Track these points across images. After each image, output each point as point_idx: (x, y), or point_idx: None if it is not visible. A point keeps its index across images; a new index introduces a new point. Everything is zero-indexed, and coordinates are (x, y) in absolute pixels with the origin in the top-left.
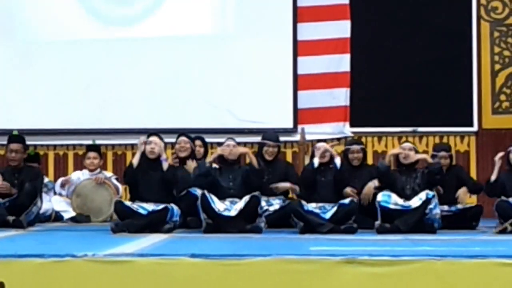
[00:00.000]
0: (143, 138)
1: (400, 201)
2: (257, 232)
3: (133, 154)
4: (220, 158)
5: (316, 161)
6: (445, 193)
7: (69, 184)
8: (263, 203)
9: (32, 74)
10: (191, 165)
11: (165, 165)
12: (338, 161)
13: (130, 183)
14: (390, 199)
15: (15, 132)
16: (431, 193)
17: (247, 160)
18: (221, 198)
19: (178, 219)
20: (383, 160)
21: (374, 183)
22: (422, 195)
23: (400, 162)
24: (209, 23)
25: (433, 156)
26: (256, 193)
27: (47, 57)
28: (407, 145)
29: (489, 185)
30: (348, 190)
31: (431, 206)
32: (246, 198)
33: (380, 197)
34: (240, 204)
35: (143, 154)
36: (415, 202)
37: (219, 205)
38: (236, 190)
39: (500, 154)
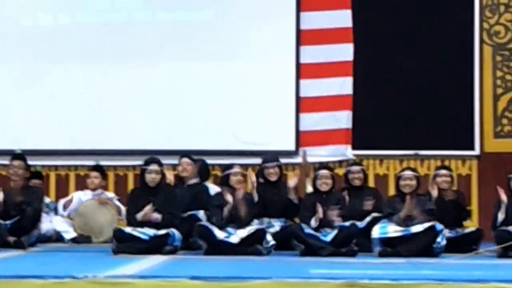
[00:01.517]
0: (151, 208)
1: (399, 228)
2: (257, 254)
3: (135, 175)
4: (224, 183)
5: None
6: (446, 215)
7: (71, 204)
8: (267, 236)
9: (35, 95)
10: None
11: (158, 219)
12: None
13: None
14: (387, 229)
15: (18, 151)
16: (439, 226)
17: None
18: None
19: (179, 244)
20: (399, 218)
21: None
22: (427, 224)
23: (400, 190)
24: (212, 45)
25: (434, 176)
26: (262, 225)
27: (50, 78)
28: (408, 173)
29: (495, 226)
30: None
31: (438, 239)
32: (251, 229)
33: (376, 231)
34: (243, 232)
35: (142, 180)
36: (418, 228)
37: (219, 233)
38: (236, 216)
39: (502, 193)
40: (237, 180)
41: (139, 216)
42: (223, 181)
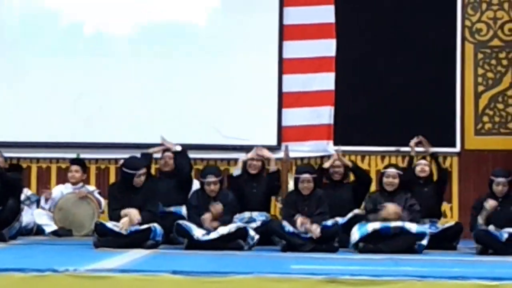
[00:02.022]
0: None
1: (377, 224)
2: (238, 249)
3: (117, 169)
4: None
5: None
6: (426, 206)
7: (51, 198)
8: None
9: (16, 88)
10: None
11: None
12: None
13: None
14: (366, 228)
15: None
16: (422, 230)
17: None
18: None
19: (160, 239)
20: (375, 217)
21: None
22: (409, 226)
23: (383, 188)
24: (195, 40)
25: (412, 164)
26: (244, 226)
27: (32, 71)
28: (391, 171)
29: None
30: (300, 220)
31: (423, 242)
32: (232, 228)
33: (355, 233)
34: (224, 230)
35: (124, 179)
36: (396, 224)
37: (197, 232)
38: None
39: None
40: (210, 190)
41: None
42: (201, 185)
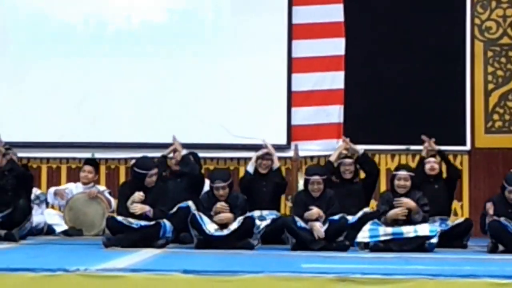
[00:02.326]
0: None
1: (389, 230)
2: (248, 248)
3: (127, 169)
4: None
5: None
6: (436, 204)
7: (64, 196)
8: (256, 221)
9: (26, 87)
10: None
11: (150, 214)
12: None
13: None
14: (378, 232)
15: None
16: (434, 230)
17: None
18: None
19: (170, 235)
20: (385, 219)
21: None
22: (422, 230)
23: (395, 191)
24: (204, 39)
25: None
26: (251, 214)
27: (42, 70)
28: (403, 174)
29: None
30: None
31: (432, 240)
32: (240, 219)
33: (365, 235)
34: (234, 225)
35: (135, 179)
36: (408, 230)
37: (209, 226)
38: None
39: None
40: (218, 194)
41: (129, 203)
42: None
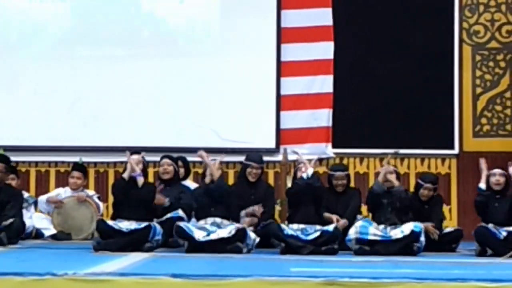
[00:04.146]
0: (139, 158)
1: (379, 231)
2: (237, 252)
3: (115, 172)
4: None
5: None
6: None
7: (58, 203)
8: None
9: (14, 91)
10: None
11: (139, 181)
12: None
13: (119, 197)
14: (368, 229)
15: (0, 151)
16: (418, 226)
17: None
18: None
19: (160, 237)
20: (380, 183)
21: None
22: (407, 229)
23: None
24: (193, 42)
25: (418, 185)
26: (244, 226)
27: (31, 74)
28: (388, 168)
29: (479, 193)
30: (327, 214)
31: (418, 244)
32: (232, 230)
33: (355, 230)
34: (224, 232)
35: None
36: (396, 233)
37: (197, 233)
38: (218, 210)
39: (483, 161)
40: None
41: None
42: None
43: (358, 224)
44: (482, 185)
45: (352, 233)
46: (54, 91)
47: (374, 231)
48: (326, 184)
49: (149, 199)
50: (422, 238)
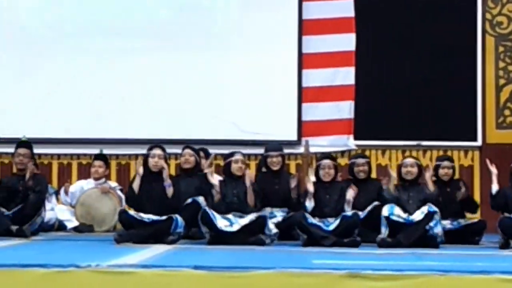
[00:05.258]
0: (140, 161)
1: (403, 214)
2: (260, 244)
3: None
4: (226, 171)
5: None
6: (448, 206)
7: (70, 188)
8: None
9: (37, 83)
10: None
11: (169, 192)
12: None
13: (134, 207)
14: (393, 210)
15: (24, 138)
16: (433, 208)
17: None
18: (224, 212)
19: (182, 230)
20: (389, 189)
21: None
22: (424, 209)
23: (402, 178)
24: (214, 34)
25: (436, 167)
26: (264, 213)
27: (52, 67)
28: (409, 160)
29: (491, 198)
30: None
31: (431, 224)
32: (252, 217)
33: (385, 210)
34: (245, 220)
35: (146, 166)
36: (417, 215)
37: (220, 222)
38: (239, 204)
39: (492, 166)
40: (238, 167)
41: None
42: (225, 170)
43: (386, 207)
44: (494, 187)
45: (385, 211)
46: (76, 84)
47: (399, 213)
48: (348, 176)
49: (177, 208)
50: (436, 224)
